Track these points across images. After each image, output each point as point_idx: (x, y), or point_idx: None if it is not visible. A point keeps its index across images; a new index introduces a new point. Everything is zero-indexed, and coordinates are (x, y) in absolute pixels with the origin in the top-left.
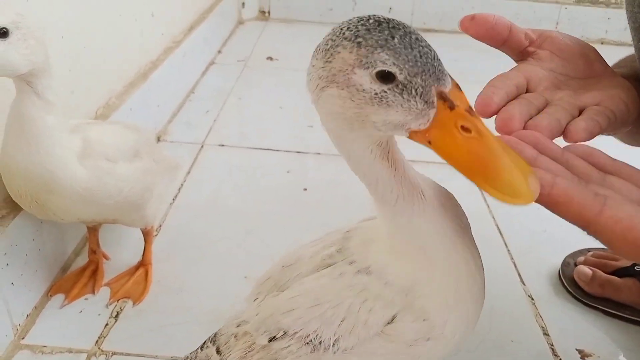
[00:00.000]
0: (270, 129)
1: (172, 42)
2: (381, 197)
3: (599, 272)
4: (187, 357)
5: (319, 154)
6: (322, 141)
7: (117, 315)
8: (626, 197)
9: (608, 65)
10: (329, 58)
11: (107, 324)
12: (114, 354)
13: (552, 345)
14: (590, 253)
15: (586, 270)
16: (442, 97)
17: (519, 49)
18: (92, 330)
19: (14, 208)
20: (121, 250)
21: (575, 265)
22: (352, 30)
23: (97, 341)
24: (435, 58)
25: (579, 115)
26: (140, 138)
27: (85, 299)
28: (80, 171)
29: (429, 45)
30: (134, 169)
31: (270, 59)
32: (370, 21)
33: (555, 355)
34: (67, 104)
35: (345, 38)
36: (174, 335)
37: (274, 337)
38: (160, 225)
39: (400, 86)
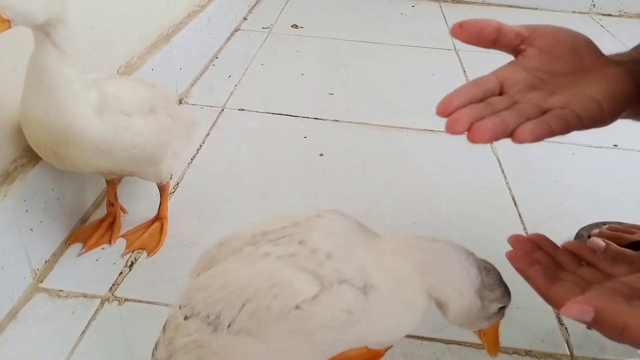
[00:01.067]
0: (291, 95)
1: (197, 6)
2: None
3: (613, 244)
4: None
5: (337, 121)
6: (341, 108)
7: (131, 265)
8: (577, 284)
9: (602, 57)
10: None
11: (121, 272)
12: (126, 300)
13: (559, 314)
14: (606, 226)
15: (599, 242)
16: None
17: (511, 47)
18: (107, 277)
19: (34, 157)
20: (138, 205)
21: (589, 237)
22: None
23: (111, 288)
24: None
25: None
26: (157, 94)
27: (102, 248)
28: (97, 124)
29: None
30: (149, 123)
31: (295, 26)
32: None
33: (561, 324)
34: (88, 61)
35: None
36: (184, 286)
37: (186, 315)
38: (178, 183)
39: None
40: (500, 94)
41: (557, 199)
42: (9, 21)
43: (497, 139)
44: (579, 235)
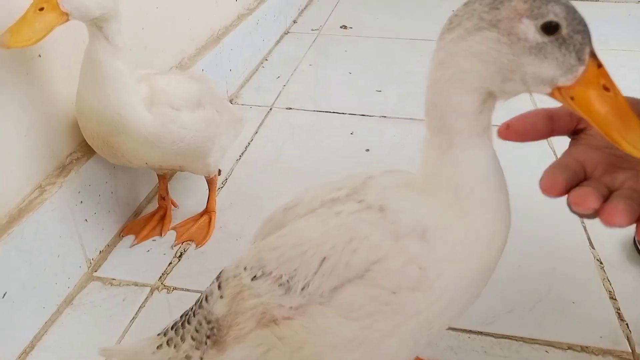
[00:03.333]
0: (338, 93)
1: (246, 9)
2: (448, 128)
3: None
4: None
5: (384, 117)
6: (388, 105)
7: (180, 256)
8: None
9: None
10: (497, 5)
11: (170, 263)
12: (174, 289)
13: (619, 309)
14: None
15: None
16: (593, 56)
17: (569, 131)
18: (157, 267)
19: (88, 151)
20: (188, 199)
21: None
22: None
23: (160, 277)
24: (590, 30)
25: None
26: (204, 89)
27: (153, 240)
28: (147, 116)
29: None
30: (196, 117)
31: (344, 27)
32: None
33: (622, 320)
34: (140, 59)
35: None
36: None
37: (255, 276)
38: (227, 179)
39: (560, 40)
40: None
41: None
42: (67, 14)
43: (631, 222)
44: None
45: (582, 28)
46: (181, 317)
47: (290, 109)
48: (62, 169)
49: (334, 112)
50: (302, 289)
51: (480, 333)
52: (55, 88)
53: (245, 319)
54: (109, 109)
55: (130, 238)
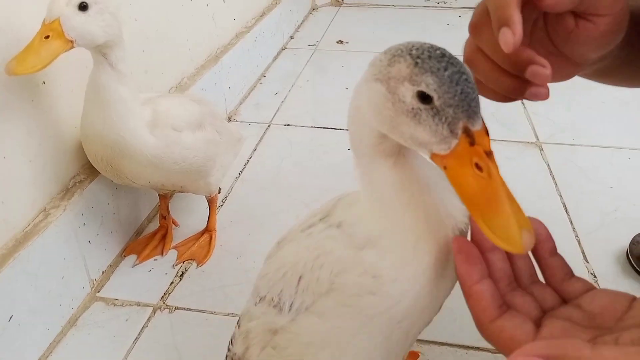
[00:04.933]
0: (335, 109)
1: (244, 27)
2: (359, 150)
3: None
4: None
5: None
6: None
7: (182, 275)
8: (530, 313)
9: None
10: (391, 62)
11: (172, 282)
12: (177, 308)
13: None
14: None
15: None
16: (467, 132)
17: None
18: (159, 287)
19: (91, 174)
20: (189, 218)
21: None
22: (418, 51)
23: (162, 297)
24: (475, 100)
25: None
26: (205, 110)
27: (154, 259)
28: (150, 139)
29: (474, 88)
30: (197, 138)
31: (341, 42)
32: (437, 52)
33: None
34: (141, 82)
35: (410, 54)
36: (232, 295)
37: (255, 303)
38: (226, 197)
39: (434, 110)
40: None
41: (611, 206)
42: (72, 42)
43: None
44: (635, 242)
45: (455, 102)
46: None
47: (289, 125)
48: (66, 192)
49: (331, 128)
50: (290, 306)
51: (478, 349)
52: (60, 113)
53: (254, 348)
54: (113, 133)
55: (132, 258)
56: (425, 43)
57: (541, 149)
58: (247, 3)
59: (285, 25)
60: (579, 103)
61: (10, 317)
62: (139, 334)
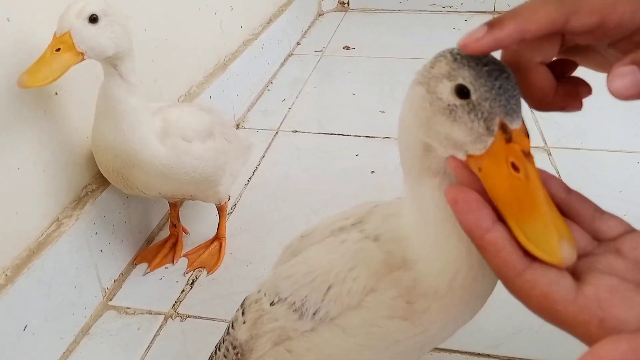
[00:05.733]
0: (342, 115)
1: (251, 34)
2: (407, 165)
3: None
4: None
5: (388, 138)
6: (392, 126)
7: (192, 283)
8: None
9: None
10: (433, 64)
11: (183, 290)
12: (188, 316)
13: None
14: None
15: None
16: (503, 128)
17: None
18: (170, 295)
19: (103, 183)
20: (199, 225)
21: None
22: (458, 51)
23: (173, 305)
24: (515, 98)
25: None
26: (214, 119)
27: (165, 267)
28: (160, 149)
29: (515, 87)
30: (207, 148)
31: (347, 48)
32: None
33: None
34: (150, 91)
35: (450, 53)
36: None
37: (273, 302)
38: (235, 204)
39: (470, 105)
40: None
41: (620, 210)
42: (82, 54)
43: None
44: None
45: (492, 96)
46: (215, 347)
47: (296, 131)
48: (78, 202)
49: (339, 134)
50: (314, 314)
51: (488, 356)
52: (72, 124)
53: (264, 341)
54: (124, 144)
55: (143, 266)
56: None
57: (549, 154)
58: (254, 10)
59: (292, 31)
60: (587, 107)
61: (25, 327)
62: (151, 342)
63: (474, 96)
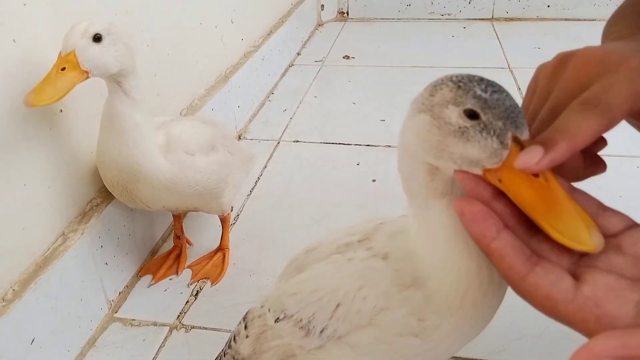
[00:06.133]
0: (343, 124)
1: (252, 46)
2: (413, 191)
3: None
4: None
5: (389, 146)
6: (393, 134)
7: (196, 294)
8: (559, 260)
9: None
10: (433, 92)
11: (187, 301)
12: (192, 327)
13: None
14: None
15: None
16: (517, 141)
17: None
18: (175, 306)
19: (107, 197)
20: (202, 237)
21: None
22: (458, 77)
23: (178, 316)
24: (520, 112)
25: None
26: (217, 132)
27: (170, 279)
28: (164, 163)
29: (516, 103)
30: (210, 161)
31: (347, 57)
32: (476, 77)
33: None
34: (153, 105)
35: (451, 80)
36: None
37: (278, 318)
38: (238, 215)
39: (481, 125)
40: None
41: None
42: (87, 72)
43: None
44: None
45: (502, 115)
46: (215, 359)
47: (298, 141)
48: (83, 216)
49: (340, 144)
50: (321, 332)
51: None
52: (76, 140)
53: (269, 356)
54: (128, 159)
55: (148, 278)
56: (461, 73)
57: None
58: (254, 23)
59: (292, 42)
60: None
61: (33, 340)
62: (157, 353)
63: (484, 117)
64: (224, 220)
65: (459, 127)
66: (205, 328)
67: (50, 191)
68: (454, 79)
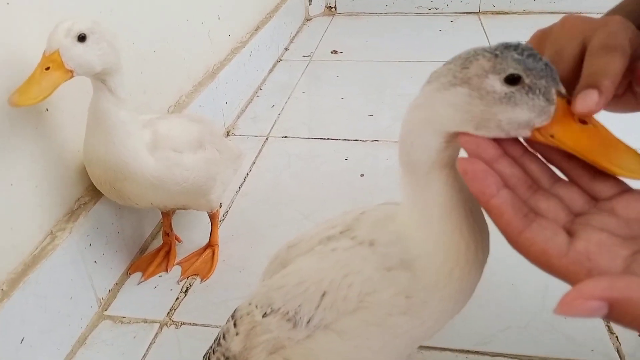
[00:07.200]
0: (331, 119)
1: (239, 42)
2: (419, 161)
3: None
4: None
5: (377, 141)
6: (380, 129)
7: (186, 291)
8: (558, 219)
9: None
10: (467, 65)
11: (177, 298)
12: (182, 324)
13: (608, 323)
14: None
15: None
16: (561, 95)
17: None
18: (165, 303)
19: (95, 195)
20: (191, 233)
21: None
22: (492, 47)
23: (168, 313)
24: (555, 71)
25: None
26: (204, 129)
27: (159, 276)
28: (151, 161)
29: (551, 64)
30: (198, 158)
31: (335, 52)
32: (507, 44)
33: (611, 333)
34: (140, 103)
35: (486, 51)
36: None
37: (265, 313)
38: (227, 211)
39: (526, 87)
40: None
41: None
42: (71, 72)
43: None
44: None
45: (543, 74)
46: (203, 357)
47: (286, 137)
48: (71, 214)
49: (328, 139)
50: (308, 322)
51: (477, 353)
52: (63, 139)
53: (259, 351)
54: (114, 157)
55: (137, 275)
56: (492, 45)
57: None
58: (241, 18)
59: (280, 37)
60: None
61: (22, 339)
62: (147, 350)
63: (527, 80)
64: (212, 217)
65: (505, 94)
66: (196, 324)
67: (38, 190)
68: (488, 49)
